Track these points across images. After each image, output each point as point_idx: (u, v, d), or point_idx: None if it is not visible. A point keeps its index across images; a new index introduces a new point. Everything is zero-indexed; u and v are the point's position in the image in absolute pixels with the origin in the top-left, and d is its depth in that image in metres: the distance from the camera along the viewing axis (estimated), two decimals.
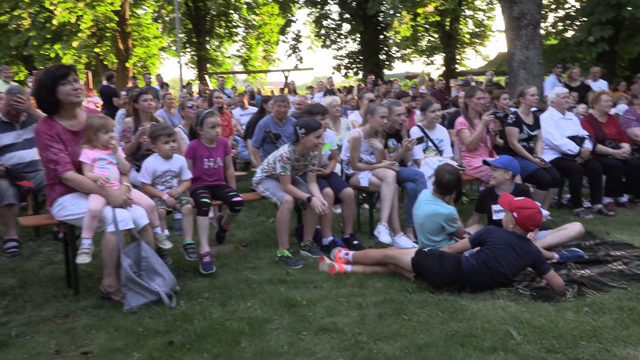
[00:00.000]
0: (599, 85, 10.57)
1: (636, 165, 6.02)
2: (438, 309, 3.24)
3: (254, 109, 8.89)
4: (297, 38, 28.73)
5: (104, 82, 11.80)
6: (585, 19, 16.56)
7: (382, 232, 4.72)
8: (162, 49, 29.00)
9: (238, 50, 31.03)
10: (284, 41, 29.33)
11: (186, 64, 29.20)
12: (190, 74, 28.86)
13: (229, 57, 31.01)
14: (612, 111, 6.71)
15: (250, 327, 3.06)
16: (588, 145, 5.91)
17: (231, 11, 28.48)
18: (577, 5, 18.13)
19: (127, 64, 24.10)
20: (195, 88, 16.71)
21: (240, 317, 3.20)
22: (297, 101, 7.34)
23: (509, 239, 3.46)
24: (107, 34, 24.05)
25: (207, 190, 4.34)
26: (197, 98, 10.90)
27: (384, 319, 3.13)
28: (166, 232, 4.35)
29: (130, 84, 14.55)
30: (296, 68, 26.55)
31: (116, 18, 23.06)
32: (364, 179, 4.98)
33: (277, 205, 4.44)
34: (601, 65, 13.93)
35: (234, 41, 30.26)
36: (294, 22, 33.81)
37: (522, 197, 3.62)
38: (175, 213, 4.72)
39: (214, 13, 27.81)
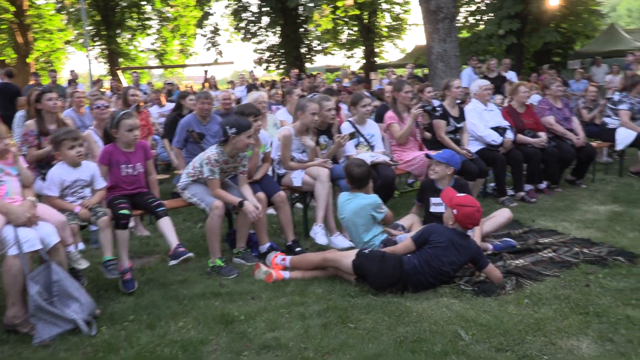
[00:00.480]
0: (510, 77, 11.09)
1: (552, 153, 6.30)
2: (384, 313, 3.12)
3: (172, 106, 8.37)
4: (215, 31, 27.88)
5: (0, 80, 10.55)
6: (494, 14, 17.43)
7: (319, 233, 4.56)
8: (68, 42, 26.93)
9: (152, 44, 29.53)
10: (202, 34, 28.30)
11: (96, 58, 27.36)
12: (101, 69, 27.10)
13: (142, 51, 29.40)
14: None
15: (185, 351, 2.77)
16: (510, 135, 6.10)
17: (143, 2, 26.97)
18: None
19: (27, 59, 22.12)
20: (107, 84, 15.62)
21: (172, 340, 2.90)
22: (222, 97, 6.96)
23: (450, 236, 3.42)
24: (3, 26, 21.90)
25: (126, 199, 3.91)
26: (111, 95, 10.15)
27: (329, 329, 2.97)
28: (81, 245, 3.90)
29: (32, 81, 13.27)
30: (216, 62, 25.81)
31: (12, 8, 21.03)
32: (297, 178, 4.79)
33: (206, 211, 4.12)
34: (510, 57, 14.68)
35: (148, 34, 28.75)
36: (212, 14, 32.70)
37: (464, 194, 3.60)
38: (91, 225, 4.25)
39: (125, 4, 26.21)
